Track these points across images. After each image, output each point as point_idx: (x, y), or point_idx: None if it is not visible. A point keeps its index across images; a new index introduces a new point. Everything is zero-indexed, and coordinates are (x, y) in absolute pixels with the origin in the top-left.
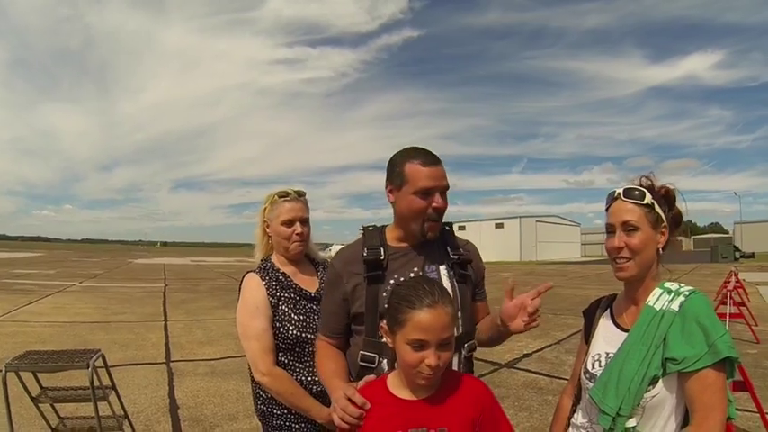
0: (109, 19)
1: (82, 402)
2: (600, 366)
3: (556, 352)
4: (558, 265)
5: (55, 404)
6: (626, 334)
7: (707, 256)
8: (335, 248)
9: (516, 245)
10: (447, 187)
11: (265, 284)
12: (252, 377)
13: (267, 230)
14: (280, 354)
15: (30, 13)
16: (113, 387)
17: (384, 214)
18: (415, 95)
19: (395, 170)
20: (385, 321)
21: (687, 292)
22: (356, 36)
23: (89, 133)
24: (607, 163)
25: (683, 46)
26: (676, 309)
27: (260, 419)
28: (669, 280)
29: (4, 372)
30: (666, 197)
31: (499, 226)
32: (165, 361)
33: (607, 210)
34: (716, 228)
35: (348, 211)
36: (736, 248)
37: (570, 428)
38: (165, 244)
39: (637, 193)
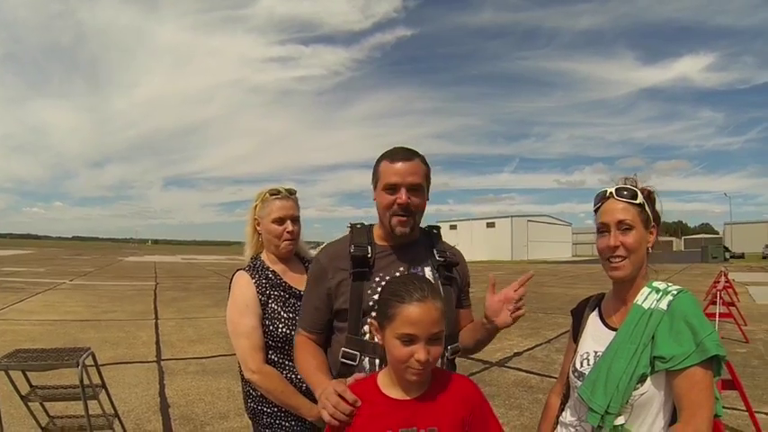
0: (100, 15)
1: (72, 401)
2: (588, 365)
3: (546, 351)
4: (548, 264)
5: (45, 403)
6: (614, 333)
7: (697, 257)
8: None
9: (507, 244)
10: (416, 184)
11: (255, 282)
12: (242, 375)
13: (258, 228)
14: (270, 352)
15: (20, 8)
16: (103, 386)
17: (375, 213)
18: (408, 94)
19: (374, 169)
20: (375, 317)
21: (675, 292)
22: (349, 34)
23: (80, 129)
24: (598, 163)
25: (676, 48)
26: (665, 308)
27: (250, 418)
28: (657, 279)
29: None
30: (648, 198)
31: (490, 225)
32: (155, 359)
33: (597, 209)
34: (706, 228)
35: (339, 209)
36: (726, 249)
37: (559, 427)
38: (156, 242)
39: (629, 192)
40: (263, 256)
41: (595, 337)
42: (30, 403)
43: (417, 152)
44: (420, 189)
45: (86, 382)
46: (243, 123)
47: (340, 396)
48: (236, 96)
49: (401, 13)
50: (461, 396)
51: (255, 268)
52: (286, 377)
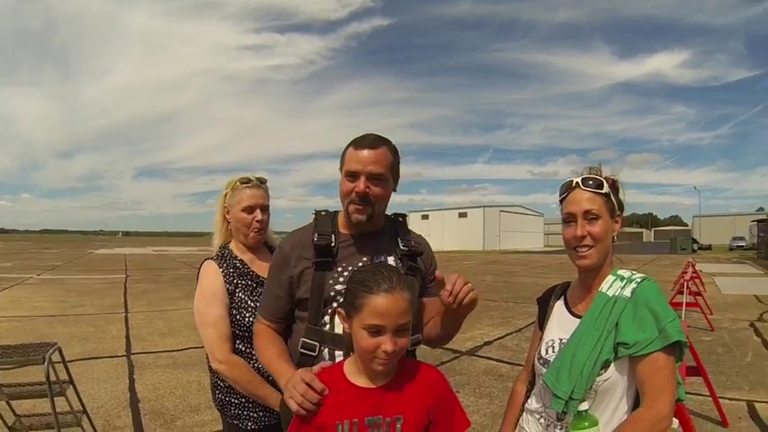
0: (72, 0)
1: (39, 398)
2: (554, 352)
3: (516, 340)
4: (520, 254)
5: (11, 401)
6: (579, 320)
7: (666, 248)
8: None
9: (479, 234)
10: (378, 174)
11: (222, 272)
12: (209, 366)
13: (227, 217)
14: (237, 342)
15: None
16: (71, 382)
17: None
18: (383, 84)
19: (341, 154)
20: (342, 306)
21: (639, 279)
22: (325, 23)
23: (49, 118)
24: (572, 155)
25: (651, 44)
26: (628, 295)
27: (218, 409)
28: (622, 267)
29: None
30: (613, 187)
31: (463, 215)
32: (125, 354)
33: (562, 199)
34: (676, 220)
35: (311, 199)
36: (695, 241)
37: (525, 414)
38: (126, 234)
39: (595, 182)
40: (232, 245)
41: (561, 324)
42: None
43: (387, 140)
44: (382, 179)
45: (53, 378)
46: (216, 112)
47: (308, 385)
48: (210, 85)
49: (378, 3)
50: (427, 384)
51: (223, 257)
52: (253, 367)
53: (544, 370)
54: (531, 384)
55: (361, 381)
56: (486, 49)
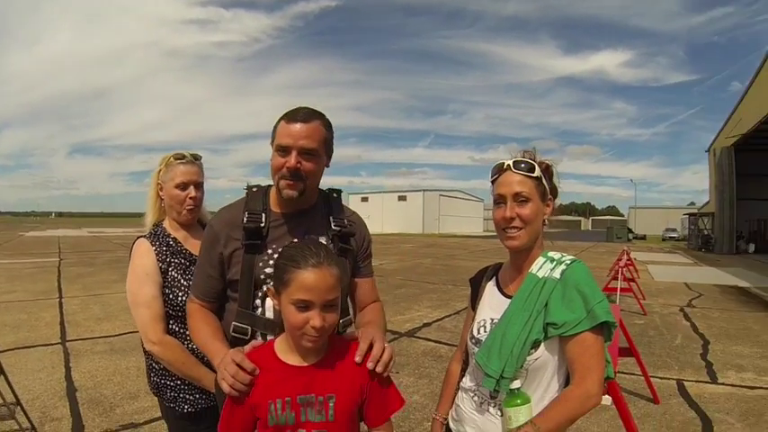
0: None
1: None
2: (485, 332)
3: (455, 321)
4: (459, 238)
5: None
6: (510, 301)
7: (603, 236)
8: None
9: (419, 218)
10: (310, 149)
11: (155, 250)
12: (144, 348)
13: (160, 193)
14: (170, 322)
15: None
16: (2, 372)
17: None
18: (329, 65)
19: (273, 128)
20: (271, 283)
21: (569, 261)
22: (272, 0)
23: None
24: (513, 143)
25: (596, 42)
26: (558, 276)
27: (153, 393)
28: (553, 249)
29: None
30: (546, 172)
31: (402, 198)
32: (60, 341)
33: (494, 181)
34: (613, 211)
35: (252, 180)
36: (630, 230)
37: (460, 392)
38: (60, 215)
39: (526, 165)
40: (166, 222)
41: (492, 305)
42: None
43: (320, 114)
44: (315, 154)
45: None
46: (156, 88)
47: (238, 365)
48: (151, 59)
49: None
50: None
51: (156, 235)
52: (187, 347)
53: (476, 349)
54: (466, 363)
55: (292, 359)
56: (432, 35)
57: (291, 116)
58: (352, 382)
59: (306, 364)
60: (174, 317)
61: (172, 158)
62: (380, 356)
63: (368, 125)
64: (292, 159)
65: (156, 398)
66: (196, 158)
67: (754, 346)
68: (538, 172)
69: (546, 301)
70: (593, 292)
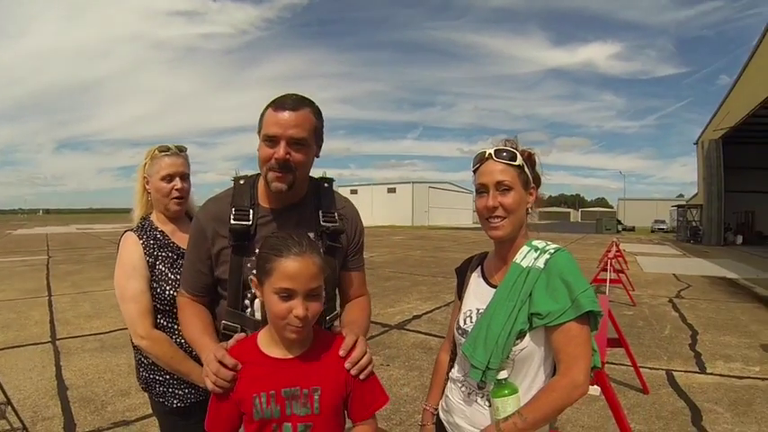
0: None
1: None
2: (471, 322)
3: (445, 314)
4: (449, 230)
5: None
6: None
7: (592, 228)
8: None
9: (408, 209)
10: (300, 138)
11: (143, 243)
12: (132, 343)
13: (147, 187)
14: (158, 316)
15: None
16: None
17: None
18: (317, 57)
19: (260, 116)
20: (254, 273)
21: (553, 250)
22: None
23: None
24: (502, 135)
25: (585, 34)
26: (542, 266)
27: (143, 388)
28: (537, 239)
29: None
30: (529, 160)
31: (392, 190)
32: (50, 340)
33: (476, 170)
34: (602, 202)
35: (241, 173)
36: (619, 222)
37: (449, 383)
38: (47, 211)
39: (508, 154)
40: (153, 216)
41: (477, 295)
42: None
43: (310, 101)
44: (304, 143)
45: None
46: (143, 81)
47: (220, 362)
48: (138, 52)
49: None
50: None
51: (143, 229)
52: (175, 342)
53: (463, 340)
54: (454, 354)
55: (276, 351)
56: (420, 26)
57: (279, 104)
58: (337, 375)
59: (290, 357)
60: (161, 311)
61: (156, 151)
62: (359, 360)
63: (357, 117)
64: (281, 150)
65: (146, 394)
66: (181, 150)
67: (741, 336)
68: (520, 160)
69: (530, 290)
70: (578, 281)
